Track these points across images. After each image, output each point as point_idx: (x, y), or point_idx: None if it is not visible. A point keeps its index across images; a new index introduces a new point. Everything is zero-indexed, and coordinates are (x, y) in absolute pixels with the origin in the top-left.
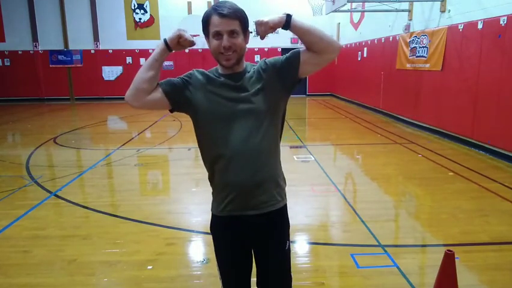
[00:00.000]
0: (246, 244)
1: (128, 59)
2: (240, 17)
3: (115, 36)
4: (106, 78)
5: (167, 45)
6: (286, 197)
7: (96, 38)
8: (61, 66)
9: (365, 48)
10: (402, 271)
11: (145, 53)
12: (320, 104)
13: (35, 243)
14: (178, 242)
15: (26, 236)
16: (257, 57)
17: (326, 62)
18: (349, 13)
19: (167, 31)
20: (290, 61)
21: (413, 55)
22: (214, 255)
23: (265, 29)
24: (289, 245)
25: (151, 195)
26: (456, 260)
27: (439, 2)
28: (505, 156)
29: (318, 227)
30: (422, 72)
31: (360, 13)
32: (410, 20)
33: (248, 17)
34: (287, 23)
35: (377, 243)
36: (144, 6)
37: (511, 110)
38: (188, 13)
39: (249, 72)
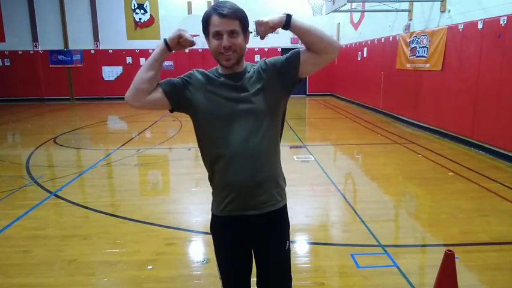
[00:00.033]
0: (246, 244)
1: (128, 59)
2: (240, 17)
3: (115, 36)
4: (106, 78)
5: (167, 45)
6: (286, 197)
7: (96, 38)
8: (61, 66)
9: (365, 48)
10: (402, 271)
11: (145, 53)
12: (319, 104)
13: (35, 243)
14: (178, 242)
15: (26, 236)
16: (257, 57)
17: (326, 62)
18: (349, 13)
19: (167, 31)
20: (290, 61)
21: (413, 55)
22: (214, 255)
23: (265, 29)
24: (289, 245)
25: (151, 195)
26: (456, 260)
27: (439, 2)
28: (505, 156)
29: (318, 227)
30: (422, 72)
31: (360, 13)
32: (410, 20)
33: (248, 17)
34: (287, 23)
35: (377, 243)
36: (144, 6)
37: (511, 110)
38: (189, 13)
39: (249, 72)
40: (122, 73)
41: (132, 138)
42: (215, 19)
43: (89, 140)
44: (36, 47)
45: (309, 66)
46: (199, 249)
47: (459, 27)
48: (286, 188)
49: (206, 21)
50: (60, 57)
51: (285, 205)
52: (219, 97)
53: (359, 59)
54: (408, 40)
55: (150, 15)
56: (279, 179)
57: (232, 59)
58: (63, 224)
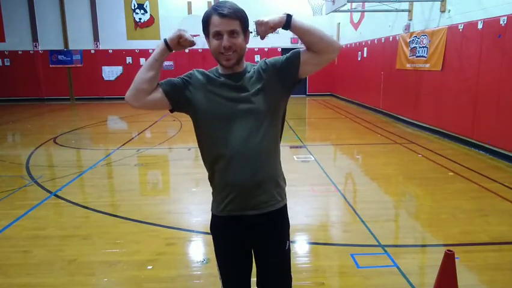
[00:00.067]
0: (246, 244)
1: (128, 59)
2: (240, 17)
3: (115, 36)
4: (106, 78)
5: (167, 45)
6: (286, 197)
7: (96, 38)
8: (61, 66)
9: (365, 48)
10: (402, 271)
11: (145, 53)
12: (319, 104)
13: (35, 243)
14: (178, 242)
15: (26, 236)
16: (257, 57)
17: (326, 62)
18: (349, 13)
19: (167, 31)
20: (290, 61)
21: (413, 55)
22: (214, 255)
23: (265, 29)
24: (289, 245)
25: (151, 195)
26: (456, 260)
27: (439, 2)
28: (505, 156)
29: (318, 227)
30: (422, 72)
31: (360, 13)
32: (410, 20)
33: (248, 17)
34: (287, 23)
35: (377, 243)
36: (144, 6)
37: (511, 110)
38: (189, 13)
39: (249, 72)
40: (122, 73)
41: (132, 138)
42: (215, 19)
43: (89, 140)
44: (36, 47)
45: (309, 66)
46: (199, 249)
47: (459, 27)
48: (286, 188)
49: (206, 21)
50: (60, 57)
51: (285, 205)
52: (219, 97)
53: (359, 59)
54: (408, 40)
55: (150, 15)
56: (279, 179)
57: (233, 59)
58: (63, 224)
